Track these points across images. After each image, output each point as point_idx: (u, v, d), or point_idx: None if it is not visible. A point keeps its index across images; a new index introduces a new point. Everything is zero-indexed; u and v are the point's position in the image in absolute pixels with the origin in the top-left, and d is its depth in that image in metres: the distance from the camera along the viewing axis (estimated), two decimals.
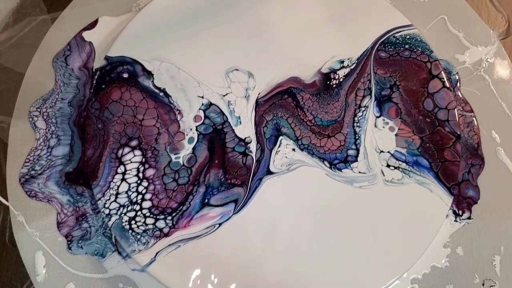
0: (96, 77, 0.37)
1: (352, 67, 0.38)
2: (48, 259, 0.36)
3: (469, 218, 0.38)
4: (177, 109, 0.37)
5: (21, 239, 0.36)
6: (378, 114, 0.37)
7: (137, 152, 0.36)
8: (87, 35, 0.40)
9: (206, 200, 0.35)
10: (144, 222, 0.35)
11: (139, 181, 0.35)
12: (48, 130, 0.38)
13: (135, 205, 0.35)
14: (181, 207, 0.35)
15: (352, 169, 0.36)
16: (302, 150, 0.37)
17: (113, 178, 0.35)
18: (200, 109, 0.37)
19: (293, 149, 0.37)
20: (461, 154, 0.38)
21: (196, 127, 0.37)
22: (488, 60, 0.41)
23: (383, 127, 0.37)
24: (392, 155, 0.37)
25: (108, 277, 0.36)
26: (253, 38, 0.39)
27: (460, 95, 0.40)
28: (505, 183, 0.38)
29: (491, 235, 0.37)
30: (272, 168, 0.36)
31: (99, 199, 0.35)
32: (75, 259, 0.36)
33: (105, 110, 0.36)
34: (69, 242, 0.36)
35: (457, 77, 0.40)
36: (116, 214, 0.35)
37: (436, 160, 0.36)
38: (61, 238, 0.36)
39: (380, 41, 0.39)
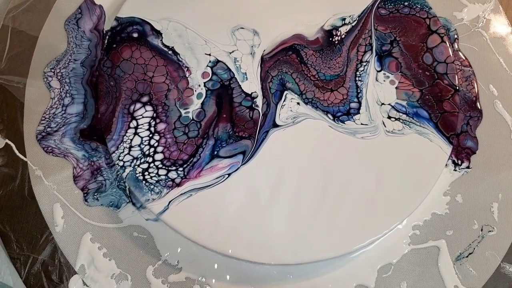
0: (107, 37, 0.38)
1: (353, 24, 0.40)
2: (65, 211, 0.38)
3: (468, 167, 0.39)
4: (186, 66, 0.38)
5: (40, 192, 0.38)
6: (379, 69, 0.39)
7: (148, 108, 0.37)
8: None
9: (215, 152, 0.37)
10: (157, 173, 0.36)
11: (151, 135, 0.37)
12: (62, 89, 0.39)
13: (148, 157, 0.36)
14: (191, 159, 0.37)
15: (354, 121, 0.38)
16: (306, 103, 0.38)
17: (126, 132, 0.37)
18: (207, 66, 0.39)
19: (298, 103, 0.38)
20: (460, 106, 0.39)
21: (204, 83, 0.38)
22: (486, 17, 0.42)
23: (384, 80, 0.39)
24: (393, 107, 0.38)
25: (123, 227, 0.38)
26: None
27: (459, 51, 0.41)
28: (502, 134, 0.40)
29: (489, 183, 0.39)
30: (278, 121, 0.38)
31: (113, 152, 0.36)
32: (91, 210, 0.38)
33: (117, 68, 0.38)
34: (85, 195, 0.38)
35: (455, 34, 0.42)
36: (130, 166, 0.36)
37: (435, 111, 0.38)
38: (78, 191, 0.38)
39: None
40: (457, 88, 0.38)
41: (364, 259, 0.38)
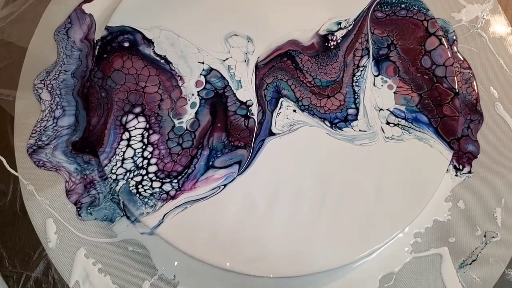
0: (97, 47, 0.37)
1: (349, 28, 0.39)
2: (58, 226, 0.37)
3: (469, 172, 0.38)
4: (178, 75, 0.38)
5: (32, 208, 0.37)
6: (376, 73, 0.38)
7: (141, 119, 0.37)
8: (87, 8, 0.40)
9: (211, 163, 0.36)
10: (151, 186, 0.35)
11: (144, 147, 0.36)
12: (53, 101, 0.39)
13: (141, 170, 0.36)
14: (186, 170, 0.36)
15: (352, 128, 0.37)
16: (302, 111, 0.37)
17: (119, 144, 0.36)
18: (201, 74, 0.38)
19: (294, 110, 0.37)
20: (460, 110, 0.38)
21: (198, 92, 0.37)
22: (484, 17, 0.41)
23: (382, 85, 0.38)
24: (391, 112, 0.37)
25: (118, 241, 0.37)
26: (250, 3, 0.39)
27: (458, 53, 0.40)
28: (504, 137, 0.39)
29: (491, 188, 0.38)
30: (274, 130, 0.37)
31: (106, 165, 0.36)
32: (85, 225, 0.37)
33: (108, 79, 0.37)
34: (78, 209, 0.37)
35: (454, 36, 0.41)
36: (123, 179, 0.35)
37: (435, 116, 0.37)
38: (71, 205, 0.37)
39: (376, 1, 0.39)
40: (457, 91, 0.37)
41: (365, 268, 0.37)
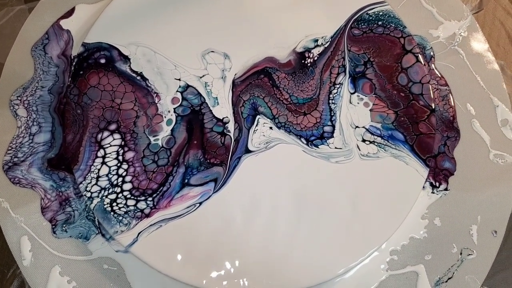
0: (74, 63, 0.37)
1: (326, 46, 0.39)
2: (33, 244, 0.37)
3: (446, 189, 0.38)
4: (155, 92, 0.37)
5: (6, 225, 0.37)
6: (352, 91, 0.38)
7: (116, 136, 0.36)
8: (64, 23, 0.40)
9: (186, 180, 0.36)
10: (125, 203, 0.35)
11: (119, 164, 0.36)
12: (29, 117, 0.38)
13: (116, 188, 0.35)
14: (161, 188, 0.36)
15: (328, 145, 0.37)
16: (279, 128, 0.37)
17: (94, 161, 0.36)
18: (177, 91, 0.38)
19: (271, 128, 0.37)
20: (437, 127, 0.38)
21: (174, 109, 0.37)
22: (462, 34, 0.41)
23: (358, 103, 0.38)
24: (367, 130, 0.37)
25: (93, 259, 0.37)
26: (228, 19, 0.39)
27: (435, 70, 0.40)
28: (481, 154, 0.39)
29: (468, 205, 0.38)
30: (250, 147, 0.37)
31: (81, 182, 0.35)
32: (60, 243, 0.37)
33: (84, 95, 0.37)
34: (53, 226, 0.37)
35: (431, 52, 0.41)
36: (98, 196, 0.35)
37: (411, 133, 0.37)
38: (46, 222, 0.37)
39: (353, 19, 0.39)
40: (433, 108, 0.37)
41: (341, 286, 0.37)
